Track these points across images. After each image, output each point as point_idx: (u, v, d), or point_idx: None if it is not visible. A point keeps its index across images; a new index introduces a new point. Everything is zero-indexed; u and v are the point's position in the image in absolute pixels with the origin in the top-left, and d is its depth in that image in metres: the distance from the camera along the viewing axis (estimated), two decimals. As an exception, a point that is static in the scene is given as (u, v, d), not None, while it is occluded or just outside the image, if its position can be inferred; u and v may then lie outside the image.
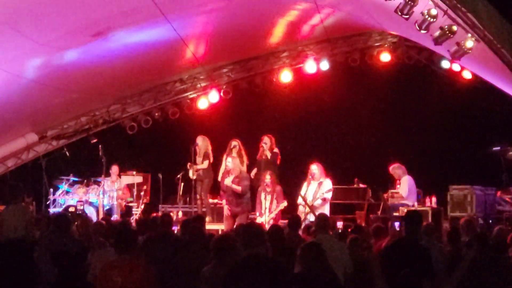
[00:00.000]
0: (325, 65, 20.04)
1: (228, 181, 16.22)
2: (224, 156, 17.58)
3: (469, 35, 13.40)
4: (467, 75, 18.81)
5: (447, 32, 13.27)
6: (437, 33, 13.52)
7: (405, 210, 15.50)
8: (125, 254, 7.13)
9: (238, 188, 16.06)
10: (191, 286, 7.54)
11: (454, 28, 13.21)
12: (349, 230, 11.84)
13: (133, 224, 15.94)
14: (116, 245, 7.21)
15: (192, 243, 8.66)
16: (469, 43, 13.49)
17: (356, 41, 20.29)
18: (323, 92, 20.42)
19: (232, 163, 16.43)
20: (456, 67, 18.71)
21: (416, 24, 13.39)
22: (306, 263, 7.66)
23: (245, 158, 17.78)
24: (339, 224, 14.18)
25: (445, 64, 19.10)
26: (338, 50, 20.30)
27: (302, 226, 12.75)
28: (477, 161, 18.53)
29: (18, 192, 12.74)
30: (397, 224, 12.90)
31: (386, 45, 20.08)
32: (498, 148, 17.47)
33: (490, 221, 15.66)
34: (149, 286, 7.13)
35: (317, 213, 15.22)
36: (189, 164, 17.92)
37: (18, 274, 7.06)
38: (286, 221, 15.26)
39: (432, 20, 13.07)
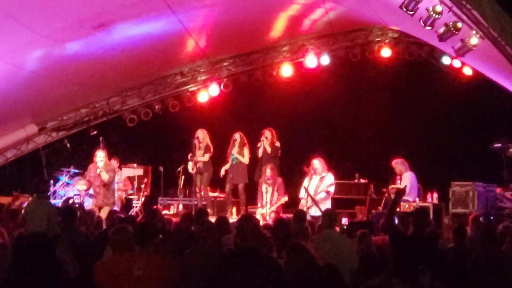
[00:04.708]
0: (325, 60, 19.99)
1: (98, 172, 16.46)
2: (228, 150, 17.62)
3: (474, 32, 13.44)
4: (467, 71, 18.82)
5: (452, 28, 13.31)
6: (441, 30, 13.54)
7: (406, 206, 15.57)
8: (145, 247, 7.15)
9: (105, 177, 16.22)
10: (207, 280, 7.51)
11: (459, 25, 13.25)
12: (357, 225, 11.78)
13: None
14: (137, 239, 7.22)
15: (203, 236, 8.65)
16: (474, 40, 13.53)
17: (357, 36, 20.26)
18: (324, 87, 20.40)
19: (99, 158, 16.52)
20: (457, 63, 18.75)
21: (421, 21, 13.41)
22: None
23: (247, 151, 17.75)
24: (344, 220, 14.16)
25: (445, 60, 19.12)
26: (339, 45, 20.27)
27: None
28: (478, 158, 18.59)
29: (45, 186, 12.75)
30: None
31: (387, 41, 20.03)
32: (499, 145, 17.47)
33: (491, 217, 15.69)
34: (168, 279, 7.14)
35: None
36: (190, 155, 17.80)
37: (40, 268, 7.06)
38: (287, 215, 15.33)
39: (437, 16, 13.12)
